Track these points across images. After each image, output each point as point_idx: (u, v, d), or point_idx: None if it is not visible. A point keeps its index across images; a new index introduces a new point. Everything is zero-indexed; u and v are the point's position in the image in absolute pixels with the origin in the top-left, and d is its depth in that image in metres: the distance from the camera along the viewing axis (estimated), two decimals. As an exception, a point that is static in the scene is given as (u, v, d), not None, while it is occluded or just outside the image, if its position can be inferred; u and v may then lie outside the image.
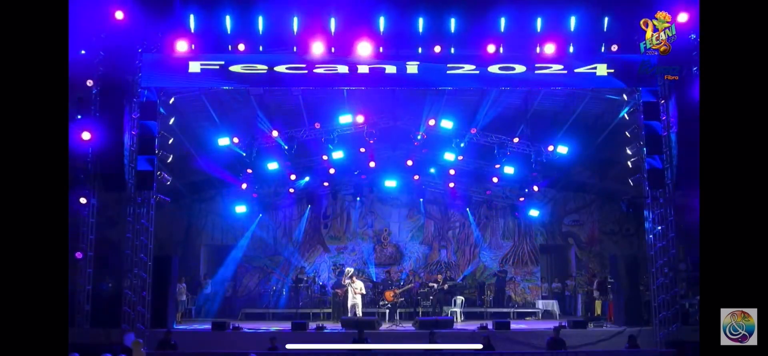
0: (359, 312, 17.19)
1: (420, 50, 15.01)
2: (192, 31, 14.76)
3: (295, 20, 14.72)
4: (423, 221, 22.62)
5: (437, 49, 14.83)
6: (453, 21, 14.80)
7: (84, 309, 14.32)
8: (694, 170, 10.09)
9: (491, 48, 14.83)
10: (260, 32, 14.79)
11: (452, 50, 15.00)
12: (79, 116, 14.48)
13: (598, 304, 19.28)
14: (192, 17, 14.73)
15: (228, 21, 14.72)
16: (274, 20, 14.76)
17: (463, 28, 14.86)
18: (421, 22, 14.83)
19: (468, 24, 14.82)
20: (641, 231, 16.87)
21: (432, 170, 21.25)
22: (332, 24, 14.79)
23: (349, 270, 18.48)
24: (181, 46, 14.66)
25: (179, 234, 21.74)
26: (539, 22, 14.85)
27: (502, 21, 14.80)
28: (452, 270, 21.91)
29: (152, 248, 15.15)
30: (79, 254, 14.26)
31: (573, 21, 14.85)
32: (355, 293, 17.35)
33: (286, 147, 18.41)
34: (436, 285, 19.16)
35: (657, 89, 14.88)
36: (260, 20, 14.71)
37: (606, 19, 14.83)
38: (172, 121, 15.76)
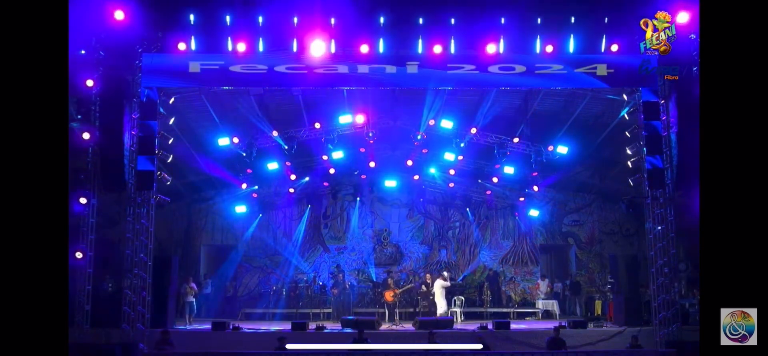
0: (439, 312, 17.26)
1: (420, 50, 15.01)
2: (192, 31, 14.76)
3: (295, 20, 14.72)
4: (423, 221, 22.63)
5: (437, 49, 14.78)
6: (453, 21, 14.79)
7: (84, 309, 14.30)
8: (694, 170, 10.09)
9: (491, 48, 14.81)
10: (260, 32, 14.79)
11: (452, 50, 15.00)
12: (79, 116, 14.47)
13: (598, 304, 19.29)
14: (192, 17, 14.71)
15: (228, 21, 14.72)
16: (274, 20, 14.76)
17: (463, 28, 14.85)
18: (420, 22, 14.82)
19: (468, 24, 14.81)
20: (641, 231, 16.87)
21: (432, 170, 21.25)
22: (332, 24, 14.78)
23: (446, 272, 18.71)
24: (181, 46, 14.66)
25: (179, 234, 21.77)
26: (539, 22, 14.83)
27: (502, 21, 14.79)
28: (452, 270, 21.90)
29: (152, 248, 15.14)
30: (79, 254, 14.26)
31: (573, 21, 14.84)
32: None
33: (286, 147, 18.42)
34: (424, 288, 18.81)
35: (657, 89, 14.85)
36: (260, 20, 14.71)
37: (606, 20, 14.83)
38: (172, 121, 15.73)
